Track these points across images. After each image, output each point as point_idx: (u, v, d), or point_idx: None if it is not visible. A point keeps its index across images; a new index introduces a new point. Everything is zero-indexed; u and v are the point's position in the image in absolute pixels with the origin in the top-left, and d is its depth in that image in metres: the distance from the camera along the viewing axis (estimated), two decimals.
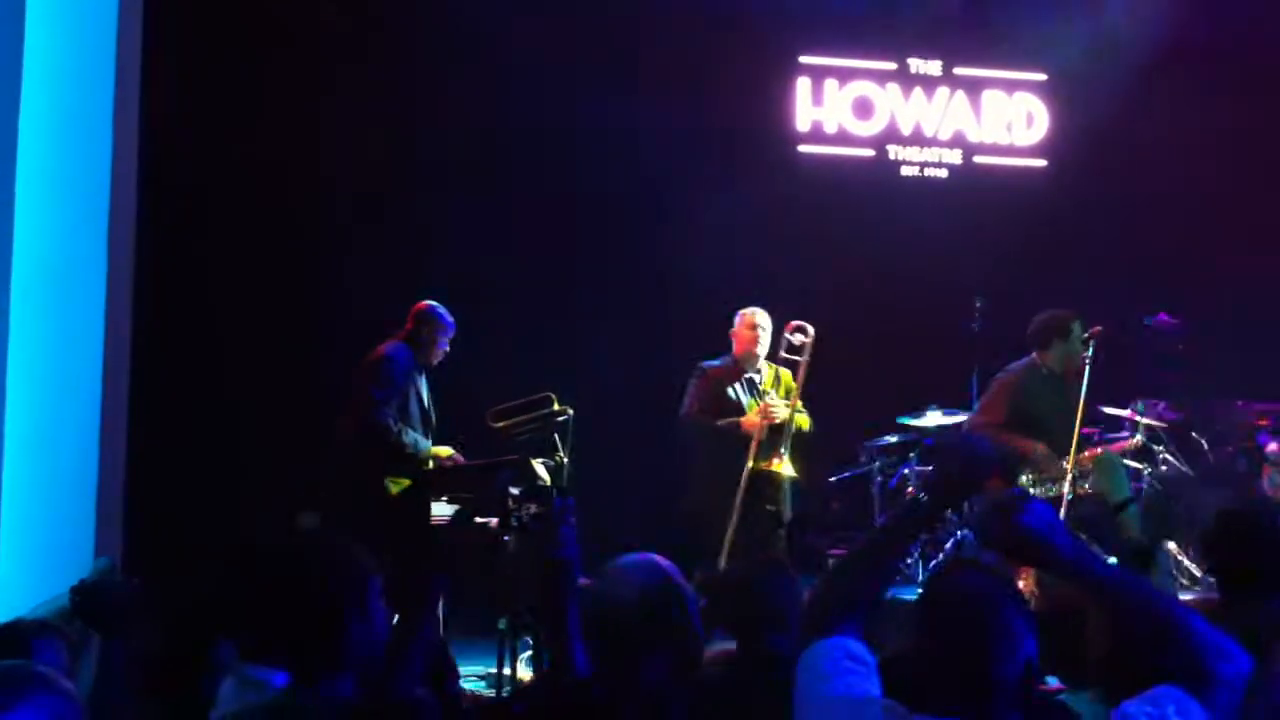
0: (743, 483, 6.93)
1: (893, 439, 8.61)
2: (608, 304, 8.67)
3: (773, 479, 7.06)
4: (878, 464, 8.57)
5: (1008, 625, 2.24)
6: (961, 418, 8.24)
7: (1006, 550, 2.34)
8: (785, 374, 7.38)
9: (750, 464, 6.99)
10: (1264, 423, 8.91)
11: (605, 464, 7.34)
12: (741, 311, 7.39)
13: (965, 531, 8.11)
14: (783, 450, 7.10)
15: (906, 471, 8.45)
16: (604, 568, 3.21)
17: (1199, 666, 2.17)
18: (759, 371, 7.32)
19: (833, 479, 8.58)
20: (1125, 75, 9.59)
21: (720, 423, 7.12)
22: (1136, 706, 2.13)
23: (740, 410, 7.17)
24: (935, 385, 8.46)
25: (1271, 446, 8.63)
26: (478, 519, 4.27)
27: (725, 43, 9.18)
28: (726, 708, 3.20)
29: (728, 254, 8.56)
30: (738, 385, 7.27)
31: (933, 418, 8.37)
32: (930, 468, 6.62)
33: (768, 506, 7.04)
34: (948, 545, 8.08)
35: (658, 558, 3.22)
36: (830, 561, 6.90)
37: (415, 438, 6.58)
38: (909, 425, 8.51)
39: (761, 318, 7.32)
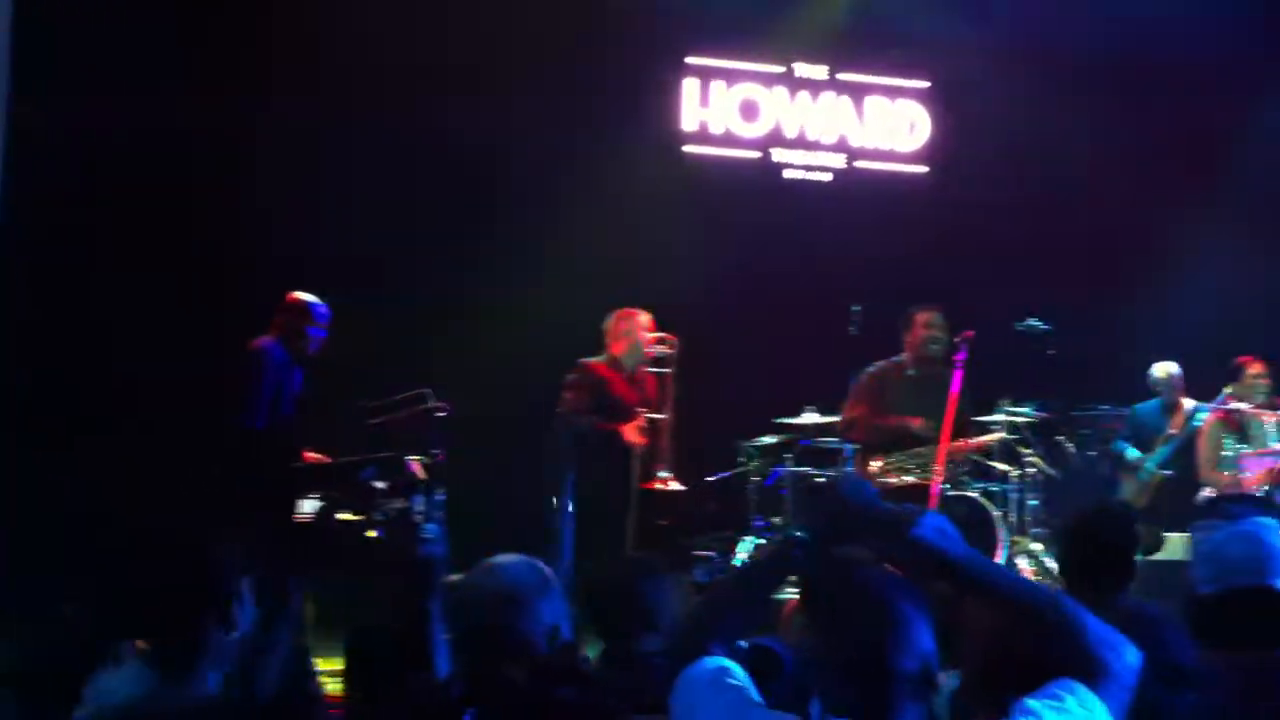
0: (631, 501, 6.86)
1: (770, 439, 8.68)
2: (494, 302, 8.60)
3: (660, 496, 7.02)
4: (755, 464, 8.63)
5: (906, 618, 2.25)
6: (837, 419, 8.37)
7: (902, 563, 2.36)
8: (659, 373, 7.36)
9: (636, 484, 6.92)
10: (1117, 428, 9.18)
11: (485, 462, 7.31)
12: (618, 311, 7.35)
13: (795, 532, 8.23)
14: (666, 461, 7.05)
15: (783, 472, 8.54)
16: (474, 566, 3.20)
17: (1092, 659, 2.21)
18: (664, 363, 7.27)
19: (710, 479, 8.62)
20: (1006, 83, 9.81)
21: (600, 424, 7.05)
22: (1039, 701, 2.16)
23: (622, 409, 7.09)
24: (813, 386, 8.55)
25: (1130, 453, 8.89)
26: (340, 516, 4.23)
27: (612, 41, 9.18)
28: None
29: (612, 253, 8.57)
30: (619, 382, 7.22)
31: (810, 418, 8.46)
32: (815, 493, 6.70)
33: (659, 521, 7.00)
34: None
35: (530, 558, 3.22)
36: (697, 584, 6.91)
37: (288, 433, 6.49)
38: (786, 425, 8.59)
39: (640, 317, 7.30)
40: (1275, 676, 2.89)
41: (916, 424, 6.92)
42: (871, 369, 7.32)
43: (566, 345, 7.61)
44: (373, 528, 4.74)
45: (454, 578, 3.24)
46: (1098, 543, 3.70)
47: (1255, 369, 7.87)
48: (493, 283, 8.70)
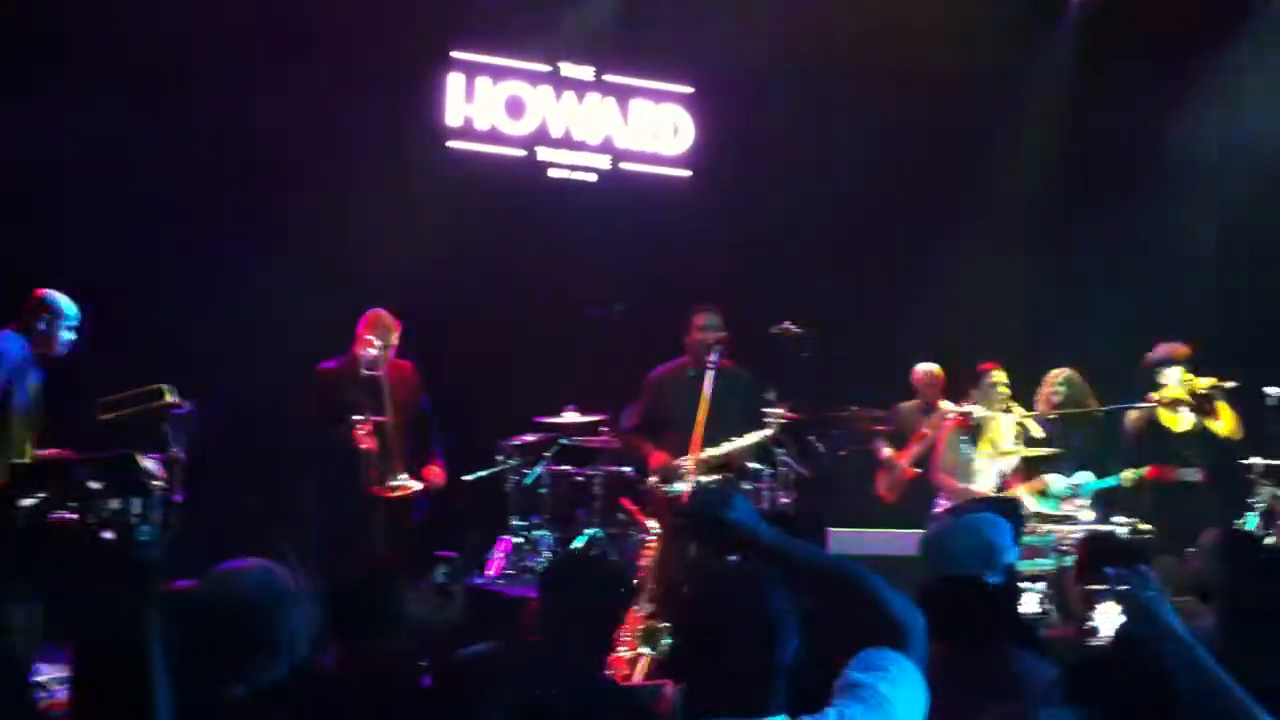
0: (368, 505, 6.69)
1: (529, 438, 8.66)
2: (249, 297, 8.32)
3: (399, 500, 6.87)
4: (514, 463, 8.60)
5: (782, 612, 2.34)
6: (597, 418, 8.42)
7: (717, 541, 2.43)
8: (404, 366, 7.20)
9: (369, 489, 6.73)
10: (881, 429, 9.48)
11: (233, 462, 7.07)
12: (367, 312, 7.20)
13: (597, 530, 8.28)
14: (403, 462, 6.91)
15: (541, 471, 8.53)
16: (209, 572, 3.07)
17: (899, 626, 2.28)
18: (381, 371, 7.04)
19: (467, 477, 8.54)
20: (767, 90, 10.05)
21: (334, 428, 6.84)
22: (859, 672, 2.19)
23: (351, 413, 6.85)
24: (574, 385, 8.57)
25: (885, 451, 9.21)
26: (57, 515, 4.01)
27: (375, 33, 9.01)
28: (333, 711, 3.14)
29: (374, 250, 8.41)
30: (351, 386, 6.97)
31: (570, 417, 8.48)
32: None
33: (399, 524, 6.86)
34: (577, 543, 8.22)
35: (266, 564, 3.12)
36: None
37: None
38: (545, 424, 8.59)
39: (383, 316, 7.15)
40: (990, 667, 3.00)
41: (656, 462, 6.88)
42: (654, 373, 7.34)
43: (319, 343, 7.40)
44: (88, 529, 4.50)
45: (184, 585, 3.10)
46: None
47: (995, 375, 8.22)
48: (249, 278, 8.40)
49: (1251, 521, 7.54)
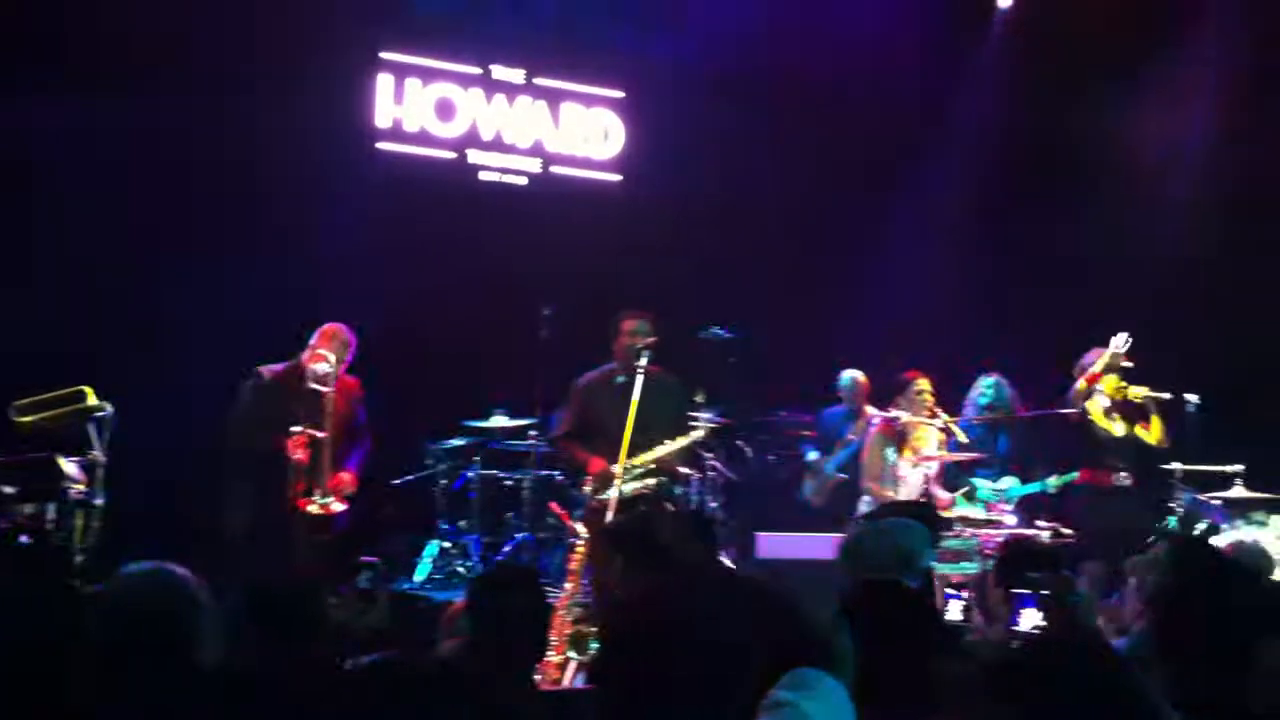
0: (292, 514, 6.54)
1: (458, 442, 8.62)
2: (175, 300, 8.19)
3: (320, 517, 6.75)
4: (442, 466, 8.55)
5: (716, 625, 2.27)
6: (526, 422, 8.40)
7: (640, 560, 2.41)
8: (350, 382, 7.09)
9: (293, 500, 6.58)
10: (808, 433, 9.55)
11: (157, 467, 6.96)
12: (323, 326, 6.98)
13: (526, 535, 8.26)
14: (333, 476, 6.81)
15: (470, 475, 8.49)
16: (114, 575, 3.02)
17: (827, 645, 2.27)
18: (329, 387, 6.85)
19: (395, 482, 8.48)
20: (698, 96, 10.08)
21: (274, 436, 6.67)
22: (785, 690, 2.19)
23: (287, 423, 6.66)
24: (503, 389, 8.54)
25: (811, 455, 9.27)
26: None
27: (305, 32, 8.91)
28: (252, 715, 3.10)
29: (303, 251, 8.32)
30: (300, 397, 6.79)
31: (499, 421, 8.45)
32: None
33: (318, 537, 6.65)
34: (506, 547, 8.20)
35: (173, 567, 3.07)
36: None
37: None
38: (474, 428, 8.55)
39: (342, 332, 6.96)
40: (908, 670, 3.02)
41: (595, 468, 6.83)
42: (583, 379, 7.29)
43: (247, 347, 7.27)
44: (3, 534, 4.39)
45: (93, 589, 3.05)
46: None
47: (920, 383, 8.28)
48: (175, 280, 8.27)
49: (1171, 524, 7.68)
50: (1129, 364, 7.77)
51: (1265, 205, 9.85)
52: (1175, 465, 7.88)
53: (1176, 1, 10.32)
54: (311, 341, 6.92)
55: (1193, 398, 7.93)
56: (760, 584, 2.53)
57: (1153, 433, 7.96)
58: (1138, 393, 7.94)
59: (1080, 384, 7.87)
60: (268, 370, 6.92)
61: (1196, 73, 10.04)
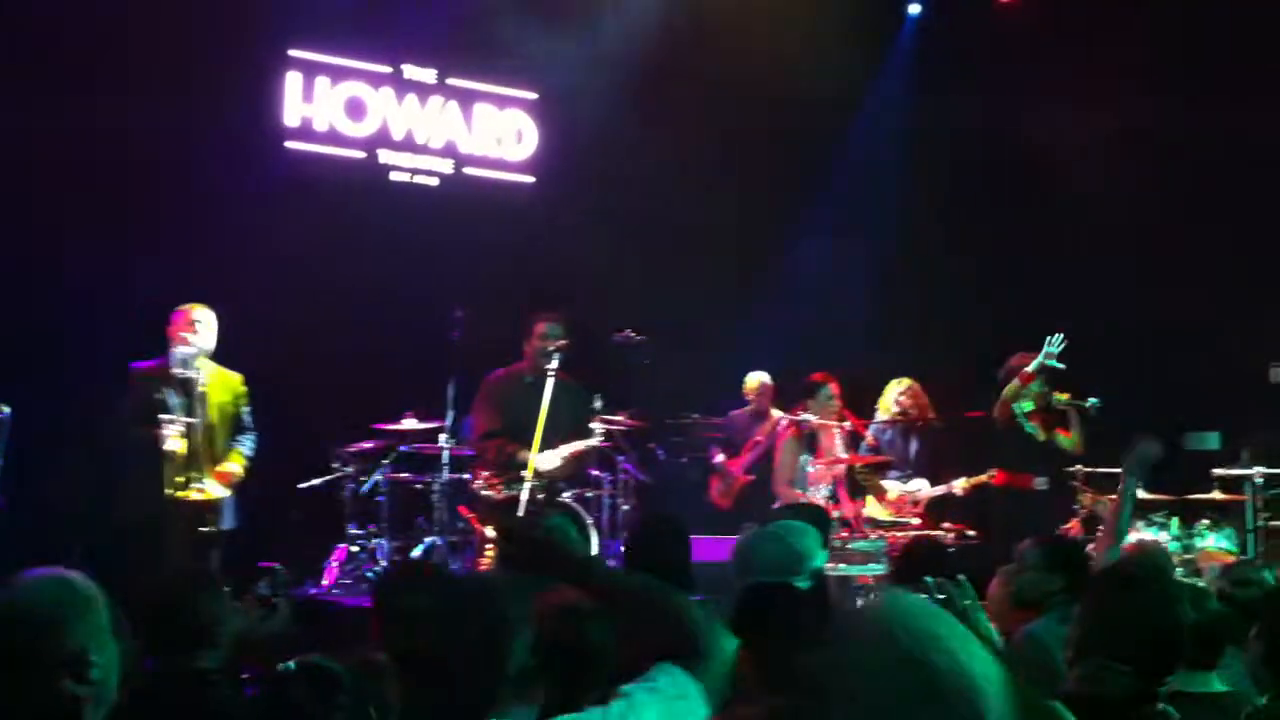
0: (174, 510, 6.47)
1: (368, 445, 8.52)
2: (73, 292, 8.01)
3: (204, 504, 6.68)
4: (351, 470, 8.45)
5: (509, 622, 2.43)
6: (437, 425, 8.32)
7: (528, 562, 2.43)
8: (233, 377, 7.03)
9: (170, 491, 6.49)
10: (716, 436, 9.59)
11: (45, 467, 6.80)
12: (180, 308, 6.96)
13: (434, 539, 8.19)
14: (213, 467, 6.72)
15: (379, 478, 8.40)
16: (6, 581, 2.94)
17: (690, 642, 2.29)
18: (197, 371, 6.82)
19: (301, 486, 8.36)
20: (611, 98, 10.07)
21: (147, 429, 6.59)
22: (634, 685, 2.19)
23: (160, 413, 6.59)
24: (413, 392, 8.46)
25: (719, 458, 9.30)
26: None
27: (211, 27, 8.77)
28: None
29: (210, 251, 8.19)
30: (164, 386, 6.73)
31: (409, 424, 8.37)
32: None
33: (201, 529, 6.66)
34: (415, 551, 8.12)
35: (61, 572, 2.98)
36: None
37: None
38: (384, 431, 8.46)
39: (200, 313, 6.93)
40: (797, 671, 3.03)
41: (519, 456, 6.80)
42: (491, 376, 7.26)
43: (151, 348, 7.13)
44: None
45: None
46: (660, 546, 3.81)
47: (829, 387, 8.34)
48: (76, 280, 8.11)
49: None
50: (1062, 365, 7.83)
51: (1183, 203, 10.06)
52: (1078, 468, 8.00)
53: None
54: (170, 329, 6.87)
55: (1094, 401, 8.05)
56: (634, 584, 2.54)
57: (1071, 439, 8.06)
58: (1059, 399, 8.04)
59: (1013, 384, 7.91)
60: (138, 366, 6.84)
61: (1115, 71, 10.17)
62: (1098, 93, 10.13)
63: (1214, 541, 8.16)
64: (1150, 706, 2.91)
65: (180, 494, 6.53)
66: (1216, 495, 8.47)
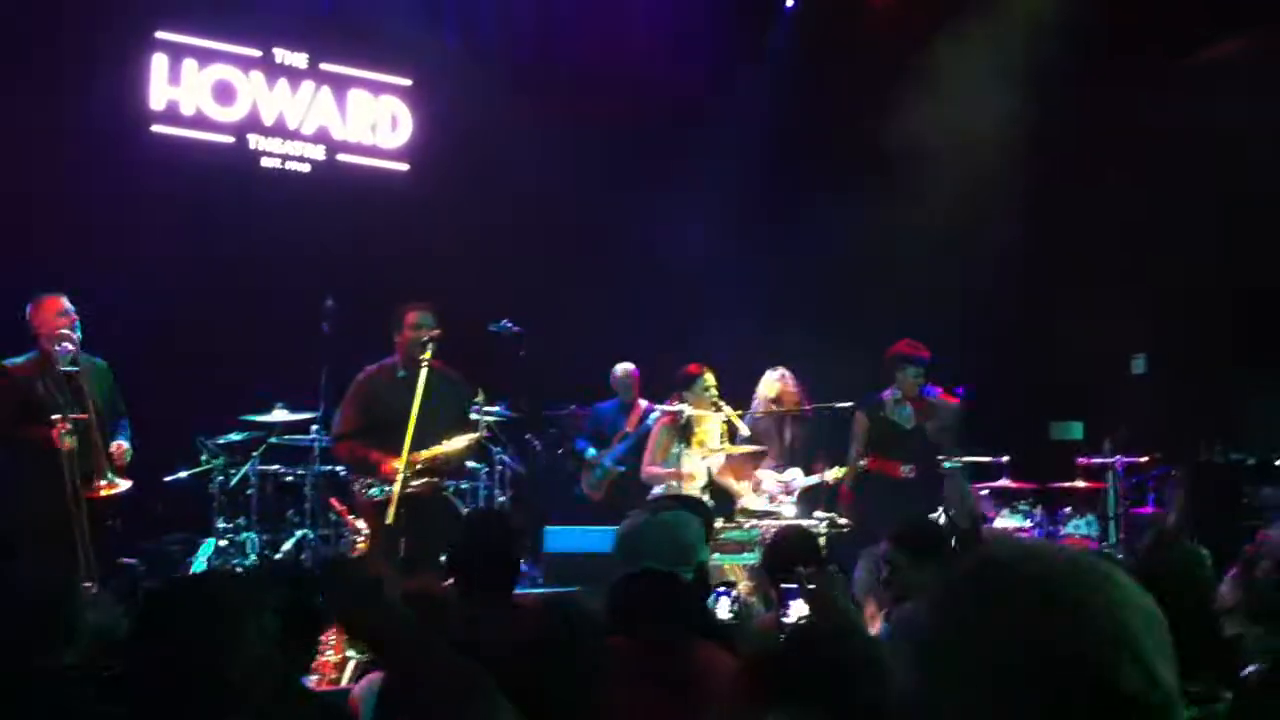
0: (70, 508, 6.19)
1: (237, 436, 8.35)
2: None
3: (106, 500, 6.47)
4: (220, 462, 8.27)
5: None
6: (308, 416, 8.18)
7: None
8: (100, 364, 6.78)
9: (70, 489, 6.22)
10: (583, 428, 9.57)
11: None
12: (42, 298, 6.64)
13: (306, 532, 8.06)
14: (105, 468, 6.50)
15: (249, 470, 8.24)
16: None
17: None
18: (74, 366, 6.54)
19: (167, 479, 8.16)
20: (486, 86, 9.99)
21: (27, 429, 6.35)
22: None
23: (46, 412, 6.33)
24: (284, 382, 8.31)
25: (590, 452, 9.27)
26: None
27: (75, 8, 8.50)
28: None
29: (70, 239, 7.94)
30: (44, 382, 6.45)
31: (280, 415, 8.22)
32: None
33: (107, 523, 6.46)
34: (286, 545, 8.00)
35: None
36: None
37: None
38: (254, 422, 8.30)
39: (67, 302, 6.65)
40: (675, 662, 3.05)
41: (388, 470, 6.63)
42: (362, 373, 7.06)
43: (10, 346, 6.85)
44: None
45: None
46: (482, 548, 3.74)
47: (705, 377, 8.36)
48: None
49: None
50: (925, 356, 7.95)
51: (1058, 198, 10.28)
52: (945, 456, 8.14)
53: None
54: (42, 326, 6.55)
55: (960, 390, 8.18)
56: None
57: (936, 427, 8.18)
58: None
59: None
60: (10, 364, 6.53)
61: (984, 65, 10.34)
62: (963, 89, 10.31)
63: (1075, 528, 8.40)
64: None
65: (89, 495, 6.29)
66: (1079, 484, 8.71)
